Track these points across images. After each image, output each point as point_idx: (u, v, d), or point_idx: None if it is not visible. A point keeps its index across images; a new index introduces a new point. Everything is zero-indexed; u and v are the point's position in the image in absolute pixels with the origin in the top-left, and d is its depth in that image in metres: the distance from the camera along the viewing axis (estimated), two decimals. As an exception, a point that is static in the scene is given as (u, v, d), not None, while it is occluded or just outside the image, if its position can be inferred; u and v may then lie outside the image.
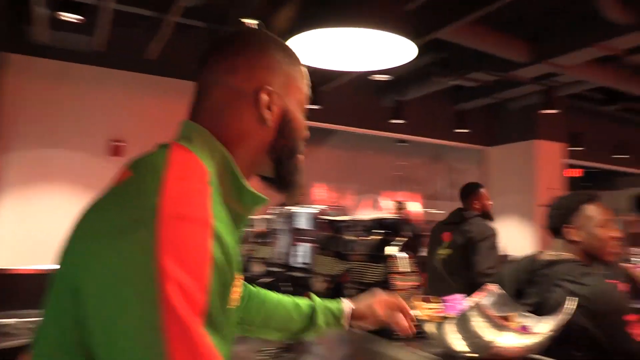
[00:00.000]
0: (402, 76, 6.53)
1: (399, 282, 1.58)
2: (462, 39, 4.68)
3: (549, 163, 7.67)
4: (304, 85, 0.91)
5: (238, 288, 0.74)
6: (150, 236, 0.60)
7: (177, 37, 4.66)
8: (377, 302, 1.25)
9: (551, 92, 6.10)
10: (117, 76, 5.07)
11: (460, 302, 1.42)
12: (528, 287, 1.68)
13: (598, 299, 1.34)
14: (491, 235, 3.48)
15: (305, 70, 0.93)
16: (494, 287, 1.46)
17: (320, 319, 1.21)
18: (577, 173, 9.18)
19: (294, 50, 0.92)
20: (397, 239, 1.62)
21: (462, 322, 1.18)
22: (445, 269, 3.50)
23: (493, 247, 3.49)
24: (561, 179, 7.86)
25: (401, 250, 1.62)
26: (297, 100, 0.89)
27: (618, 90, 6.40)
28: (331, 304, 1.25)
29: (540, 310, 1.63)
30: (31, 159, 4.89)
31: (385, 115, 7.29)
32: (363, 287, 1.66)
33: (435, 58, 5.74)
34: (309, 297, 1.24)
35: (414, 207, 9.58)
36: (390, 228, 1.65)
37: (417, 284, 1.61)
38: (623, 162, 9.21)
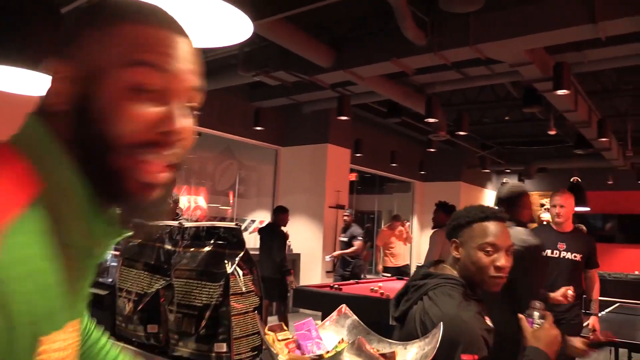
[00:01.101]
0: (202, 64, 6.18)
1: (239, 305, 1.32)
2: (271, 35, 4.56)
3: (338, 166, 8.11)
4: (139, 54, 0.60)
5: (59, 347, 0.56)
6: None
7: None
8: None
9: (345, 100, 6.40)
10: None
11: (312, 327, 1.22)
12: (404, 295, 1.57)
13: (439, 323, 1.19)
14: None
15: (156, 34, 0.62)
16: (344, 309, 1.30)
17: None
18: (352, 177, 9.93)
19: (143, 11, 0.64)
20: (235, 252, 1.35)
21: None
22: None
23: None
24: (346, 182, 8.39)
25: (239, 266, 1.36)
26: (119, 77, 0.60)
27: (399, 105, 7.05)
28: None
29: (402, 319, 1.53)
30: None
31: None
32: (190, 310, 1.35)
33: (240, 51, 5.54)
34: None
35: (199, 202, 9.29)
36: (226, 239, 1.37)
37: (256, 304, 1.36)
38: (394, 169, 10.29)
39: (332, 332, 1.26)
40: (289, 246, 7.56)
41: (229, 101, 7.47)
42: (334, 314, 1.30)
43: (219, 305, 1.30)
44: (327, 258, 7.54)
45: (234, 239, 1.36)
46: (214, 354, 1.29)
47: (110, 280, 1.69)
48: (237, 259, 1.34)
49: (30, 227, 0.54)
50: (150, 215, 0.64)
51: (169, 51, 0.62)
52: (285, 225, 6.07)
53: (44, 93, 0.63)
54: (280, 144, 8.49)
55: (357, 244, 7.13)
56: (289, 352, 1.08)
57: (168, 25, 0.64)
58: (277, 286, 5.61)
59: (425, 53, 4.81)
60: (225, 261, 1.33)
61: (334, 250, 7.62)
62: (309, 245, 7.88)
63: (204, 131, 8.11)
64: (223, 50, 5.54)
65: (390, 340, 1.23)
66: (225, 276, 1.31)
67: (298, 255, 7.91)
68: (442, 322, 1.12)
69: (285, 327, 1.21)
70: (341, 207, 7.92)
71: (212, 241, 1.39)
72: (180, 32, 0.65)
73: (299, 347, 1.15)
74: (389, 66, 5.26)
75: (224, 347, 1.28)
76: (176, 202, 5.10)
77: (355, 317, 1.28)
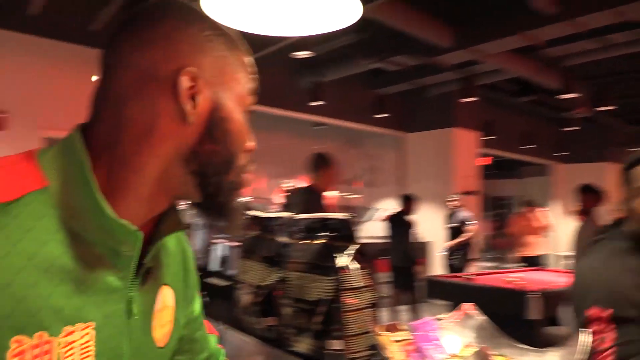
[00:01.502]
0: (322, 56, 6.22)
1: (352, 300, 1.25)
2: (386, 18, 4.43)
3: (465, 151, 7.74)
4: (247, 78, 0.66)
5: (43, 351, 0.51)
6: None
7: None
8: None
9: (470, 80, 6.06)
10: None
11: (432, 328, 1.11)
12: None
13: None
14: None
15: (249, 59, 0.67)
16: (469, 308, 1.17)
17: None
18: (487, 161, 9.42)
19: (235, 33, 0.67)
20: (347, 244, 1.28)
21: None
22: None
23: None
24: (475, 167, 7.98)
25: (353, 260, 1.29)
26: (236, 95, 0.64)
27: (531, 82, 6.51)
28: None
29: None
30: None
31: (303, 96, 6.96)
32: (304, 304, 1.31)
33: (356, 39, 5.47)
34: None
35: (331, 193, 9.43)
36: (338, 231, 1.31)
37: (373, 301, 1.28)
38: (529, 152, 9.58)
39: (456, 333, 1.14)
40: (420, 234, 7.38)
41: (351, 90, 7.45)
42: (458, 313, 1.18)
43: (332, 300, 1.24)
44: (441, 252, 7.15)
45: (345, 231, 1.29)
46: (328, 351, 1.24)
47: (230, 271, 1.72)
48: (350, 252, 1.27)
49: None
50: (230, 217, 0.66)
51: (255, 79, 0.68)
52: (412, 214, 5.93)
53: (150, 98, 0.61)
54: (405, 130, 8.30)
55: (471, 228, 6.58)
56: (406, 355, 0.98)
57: (246, 52, 0.67)
58: (406, 275, 5.50)
59: (556, 22, 4.35)
60: (337, 254, 1.27)
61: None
62: (440, 234, 7.63)
63: (327, 121, 8.21)
64: (341, 39, 5.52)
65: (523, 346, 1.08)
66: (337, 270, 1.25)
67: (429, 243, 7.69)
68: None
69: (402, 327, 1.12)
70: (471, 193, 7.55)
71: (324, 233, 1.34)
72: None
73: (417, 349, 1.05)
74: (516, 40, 4.86)
75: (338, 345, 1.22)
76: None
77: (483, 316, 1.15)
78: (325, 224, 1.34)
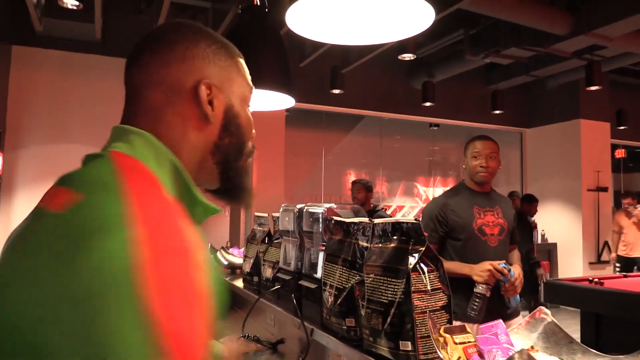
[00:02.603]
0: (430, 56, 6.12)
1: (422, 303, 1.26)
2: (493, 11, 4.26)
3: (594, 144, 7.14)
4: (245, 80, 0.82)
5: None
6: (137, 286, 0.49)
7: (177, 19, 4.41)
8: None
9: (595, 67, 5.59)
10: (120, 64, 4.88)
11: (499, 332, 1.09)
12: None
13: None
14: None
15: (244, 63, 0.83)
16: (543, 314, 1.13)
17: None
18: (621, 154, 8.59)
19: (229, 41, 0.83)
20: (417, 248, 1.30)
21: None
22: None
23: None
24: (608, 160, 7.32)
25: (423, 262, 1.30)
26: (240, 94, 0.80)
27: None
28: None
29: None
30: (41, 155, 4.72)
31: (414, 98, 6.90)
32: (377, 306, 1.35)
33: (465, 35, 5.32)
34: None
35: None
36: (409, 234, 1.33)
37: (443, 303, 1.28)
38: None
39: (524, 337, 1.11)
40: (544, 235, 6.95)
41: (464, 88, 7.24)
42: (528, 316, 1.15)
43: (402, 302, 1.27)
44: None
45: (416, 234, 1.31)
46: (400, 352, 1.26)
47: (318, 274, 1.80)
48: (419, 255, 1.29)
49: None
50: (244, 198, 0.82)
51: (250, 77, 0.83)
52: (532, 215, 5.62)
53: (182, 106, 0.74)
54: (524, 125, 7.87)
55: None
56: (466, 357, 0.99)
57: (242, 56, 0.82)
58: (526, 279, 5.21)
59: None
60: (408, 257, 1.29)
61: (596, 239, 6.70)
62: (566, 234, 7.11)
63: (442, 122, 8.04)
64: (450, 37, 5.42)
65: (598, 353, 1.03)
66: (407, 273, 1.27)
67: (554, 245, 7.20)
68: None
69: (467, 330, 1.11)
70: (603, 189, 6.94)
71: (396, 237, 1.37)
72: None
73: (478, 352, 1.04)
74: (642, 19, 4.42)
75: (409, 346, 1.24)
76: (369, 189, 5.05)
77: (552, 319, 1.10)
78: (397, 228, 1.37)
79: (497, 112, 6.99)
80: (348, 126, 8.53)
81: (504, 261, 2.48)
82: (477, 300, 2.41)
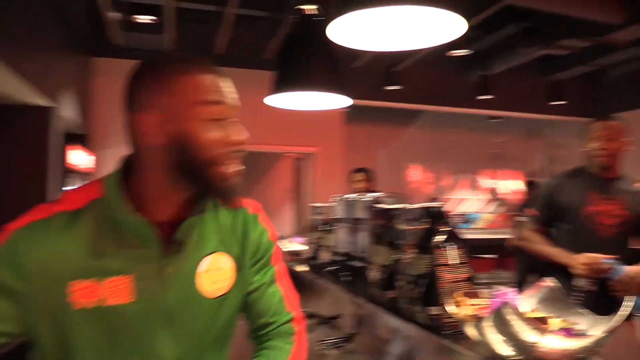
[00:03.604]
0: (486, 49, 6.18)
1: (447, 275, 1.50)
2: (545, 5, 4.32)
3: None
4: (197, 95, 0.89)
5: (93, 289, 0.87)
6: None
7: (240, 28, 4.76)
8: None
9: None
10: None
11: (511, 297, 1.31)
12: None
13: None
14: None
15: (200, 79, 0.90)
16: (549, 282, 1.34)
17: None
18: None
19: (185, 62, 0.92)
20: (443, 228, 1.53)
21: (499, 323, 1.08)
22: None
23: None
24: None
25: (449, 241, 1.53)
26: (190, 114, 0.88)
27: None
28: None
29: None
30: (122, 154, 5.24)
31: (472, 91, 6.96)
32: (412, 278, 1.60)
33: (519, 27, 5.36)
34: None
35: (515, 186, 9.14)
36: (437, 216, 1.56)
37: (466, 275, 1.51)
38: None
39: (530, 301, 1.32)
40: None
41: (521, 80, 7.22)
42: (536, 285, 1.36)
43: (430, 274, 1.50)
44: None
45: (440, 217, 1.54)
46: (429, 316, 1.50)
47: (365, 255, 2.05)
48: (443, 234, 1.52)
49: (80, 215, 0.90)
50: (226, 196, 0.96)
51: (218, 89, 0.91)
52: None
53: (136, 137, 0.92)
54: (587, 115, 7.71)
55: None
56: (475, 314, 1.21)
57: (212, 71, 0.92)
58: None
59: None
60: (434, 236, 1.53)
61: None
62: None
63: (503, 115, 8.04)
64: (504, 30, 5.48)
65: (586, 311, 1.23)
66: (433, 249, 1.50)
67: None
68: None
69: (482, 295, 1.33)
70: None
71: (427, 219, 1.61)
72: (217, 71, 0.93)
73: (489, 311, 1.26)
74: None
75: (435, 310, 1.48)
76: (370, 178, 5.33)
77: (559, 287, 1.31)
78: (426, 212, 1.61)
79: (558, 102, 6.93)
80: (406, 121, 8.67)
81: (612, 257, 2.22)
82: (577, 293, 2.16)
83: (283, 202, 8.67)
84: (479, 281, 1.50)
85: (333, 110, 4.00)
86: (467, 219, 9.05)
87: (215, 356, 1.02)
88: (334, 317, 2.32)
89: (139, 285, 0.90)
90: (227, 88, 0.94)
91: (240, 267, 1.02)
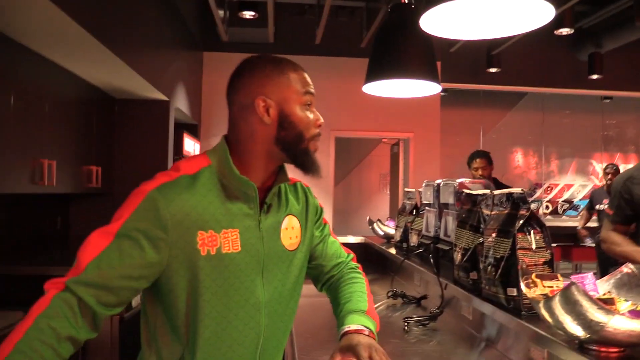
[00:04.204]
0: (596, 25, 5.83)
1: (527, 259, 1.55)
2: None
3: None
4: (298, 86, 1.11)
5: (213, 239, 1.05)
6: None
7: (337, 19, 4.91)
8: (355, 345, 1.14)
9: None
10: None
11: (590, 282, 1.35)
12: None
13: None
14: None
15: (297, 74, 1.13)
16: (629, 267, 1.36)
17: (340, 323, 1.23)
18: None
19: (283, 61, 1.14)
20: (524, 214, 1.58)
21: (565, 303, 1.14)
22: None
23: None
24: None
25: (529, 226, 1.58)
26: (293, 100, 1.10)
27: None
28: (343, 319, 1.23)
29: None
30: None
31: (579, 71, 6.59)
32: (492, 261, 1.67)
33: (634, 0, 4.99)
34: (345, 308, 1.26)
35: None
36: (518, 202, 1.61)
37: (545, 259, 1.55)
38: None
39: (606, 285, 1.35)
40: None
41: (637, 57, 6.70)
42: (617, 270, 1.38)
43: (509, 257, 1.57)
44: None
45: (523, 202, 1.59)
46: (507, 297, 1.57)
47: (451, 238, 2.13)
48: (524, 219, 1.57)
49: (195, 179, 1.07)
50: (310, 168, 1.13)
51: (309, 82, 1.14)
52: None
53: (250, 117, 1.10)
54: None
55: None
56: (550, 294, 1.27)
57: (301, 68, 1.15)
58: None
59: None
60: (516, 221, 1.59)
61: None
62: None
63: (613, 94, 7.53)
64: (617, 3, 5.15)
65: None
66: (514, 234, 1.57)
67: None
68: None
69: (560, 278, 1.39)
70: None
71: (509, 205, 1.66)
72: (303, 69, 1.16)
73: (562, 292, 1.31)
74: None
75: (514, 292, 1.54)
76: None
77: (634, 270, 1.33)
78: (509, 198, 1.66)
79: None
80: (508, 104, 8.38)
81: None
82: None
83: (380, 187, 8.78)
84: (580, 271, 1.54)
85: (429, 96, 4.04)
86: (575, 206, 8.60)
87: (288, 305, 1.20)
88: (422, 298, 2.43)
89: (244, 238, 1.08)
90: (310, 83, 1.16)
91: (305, 227, 1.24)
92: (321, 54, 5.39)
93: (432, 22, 2.18)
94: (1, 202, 3.13)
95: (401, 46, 3.06)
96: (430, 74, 3.12)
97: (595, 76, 6.44)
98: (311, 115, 1.13)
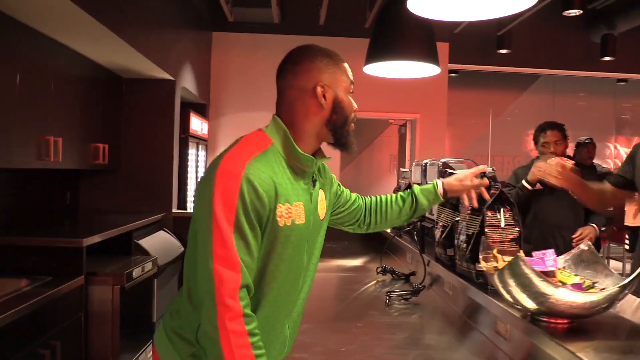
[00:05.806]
0: (610, 6, 5.74)
1: (496, 235, 1.61)
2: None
3: None
4: (346, 76, 1.26)
5: (288, 211, 1.16)
6: (211, 183, 1.10)
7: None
8: (463, 175, 1.58)
9: None
10: (296, 41, 5.63)
11: (550, 258, 1.41)
12: None
13: None
14: None
15: (345, 65, 1.27)
16: (586, 246, 1.41)
17: (422, 199, 1.56)
18: None
19: (335, 53, 1.27)
20: (493, 192, 1.64)
21: (512, 275, 1.20)
22: None
23: None
24: None
25: (498, 204, 1.64)
26: (343, 88, 1.24)
27: None
28: (427, 185, 1.59)
29: None
30: (236, 121, 5.74)
31: (592, 52, 6.51)
32: (465, 237, 1.73)
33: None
34: (411, 188, 1.60)
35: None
36: (490, 181, 1.66)
37: (513, 236, 1.61)
38: None
39: (562, 261, 1.41)
40: None
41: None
42: (576, 248, 1.43)
43: (479, 234, 1.63)
44: None
45: (493, 181, 1.65)
46: (476, 272, 1.64)
47: (434, 216, 2.19)
48: (494, 197, 1.63)
49: (267, 157, 1.15)
50: (348, 147, 1.27)
51: (350, 72, 1.28)
52: None
53: (307, 100, 1.21)
54: None
55: None
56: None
57: (344, 60, 1.28)
58: None
59: None
60: (486, 199, 1.64)
61: None
62: None
63: (628, 77, 7.43)
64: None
65: (613, 272, 1.30)
66: (483, 212, 1.62)
67: None
68: None
69: (520, 254, 1.44)
70: None
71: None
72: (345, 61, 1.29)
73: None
74: None
75: (482, 267, 1.61)
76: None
77: (590, 247, 1.38)
78: (482, 177, 1.71)
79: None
80: (519, 86, 8.31)
81: None
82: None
83: (391, 167, 8.81)
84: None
85: (435, 77, 4.05)
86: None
87: (314, 269, 1.34)
88: (410, 274, 2.50)
89: (306, 210, 1.21)
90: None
91: (328, 198, 1.39)
92: (326, 34, 5.40)
93: (422, 4, 2.22)
94: (13, 178, 3.26)
95: (398, 27, 3.09)
96: (427, 56, 3.15)
97: (607, 58, 6.36)
98: (352, 102, 1.27)
